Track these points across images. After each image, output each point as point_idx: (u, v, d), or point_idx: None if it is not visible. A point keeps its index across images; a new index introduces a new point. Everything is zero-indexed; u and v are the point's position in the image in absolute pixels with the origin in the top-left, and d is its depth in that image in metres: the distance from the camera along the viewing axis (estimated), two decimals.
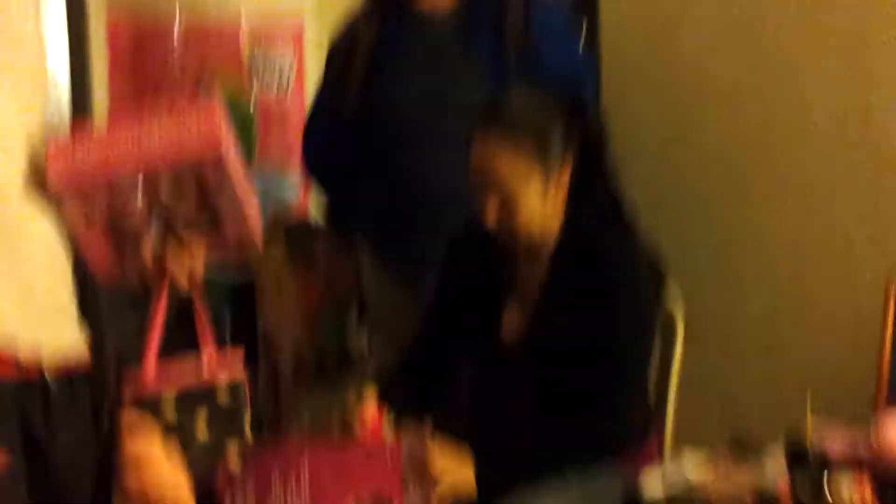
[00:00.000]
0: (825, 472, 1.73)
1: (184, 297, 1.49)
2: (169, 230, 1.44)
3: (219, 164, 1.40)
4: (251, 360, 1.58)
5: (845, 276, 2.49)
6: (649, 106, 2.68)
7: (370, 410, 1.91)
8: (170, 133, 1.38)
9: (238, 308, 2.68)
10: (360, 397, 1.88)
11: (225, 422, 1.46)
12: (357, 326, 2.75)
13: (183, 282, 1.46)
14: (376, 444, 1.84)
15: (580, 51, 2.68)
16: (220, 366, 1.48)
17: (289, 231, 2.85)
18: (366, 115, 2.49)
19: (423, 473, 1.79)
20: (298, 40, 3.46)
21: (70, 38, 3.00)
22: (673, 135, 2.64)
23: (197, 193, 1.42)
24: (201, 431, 1.44)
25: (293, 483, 1.65)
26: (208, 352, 1.49)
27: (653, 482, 1.83)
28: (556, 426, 1.97)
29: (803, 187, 2.45)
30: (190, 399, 1.45)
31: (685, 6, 2.59)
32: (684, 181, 2.63)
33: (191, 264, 1.46)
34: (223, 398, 1.46)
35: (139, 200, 1.40)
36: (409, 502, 1.73)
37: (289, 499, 1.65)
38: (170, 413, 1.43)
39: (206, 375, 1.46)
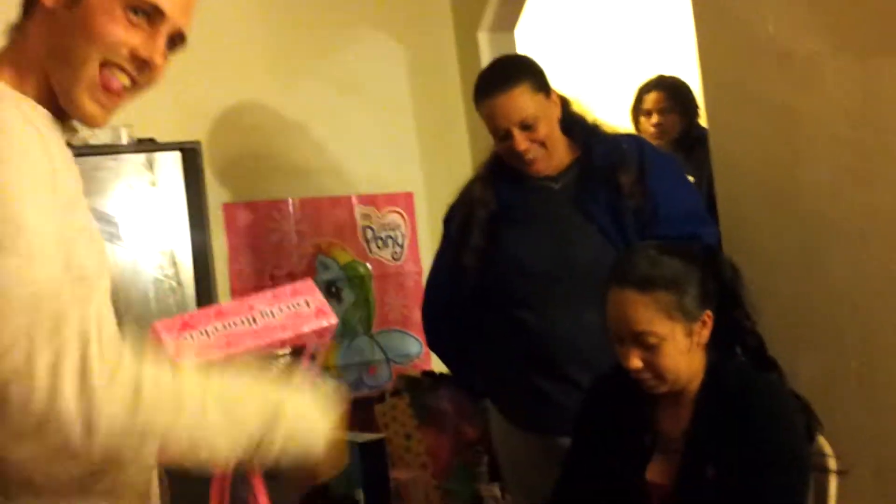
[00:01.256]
0: None
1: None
2: None
3: (332, 334, 1.45)
4: None
5: None
6: (773, 247, 2.62)
7: None
8: (283, 311, 1.42)
9: (369, 464, 2.66)
10: None
11: None
12: (488, 477, 2.69)
13: None
14: None
15: (697, 199, 2.66)
16: None
17: (414, 386, 2.84)
18: (486, 277, 2.51)
19: None
20: (409, 207, 3.56)
21: (190, 219, 3.13)
22: (802, 274, 2.57)
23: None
24: None
25: None
26: None
27: None
28: None
29: None
30: None
31: (799, 144, 2.56)
32: (820, 317, 2.55)
33: None
34: None
35: None
36: None
37: None
38: None
39: None
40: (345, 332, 3.32)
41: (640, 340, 1.90)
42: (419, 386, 2.88)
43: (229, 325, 1.39)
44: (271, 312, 1.41)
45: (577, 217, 2.45)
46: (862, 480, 2.34)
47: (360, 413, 2.99)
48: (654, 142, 3.35)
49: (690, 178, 2.84)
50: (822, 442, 2.06)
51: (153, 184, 3.11)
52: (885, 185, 2.38)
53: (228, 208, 3.34)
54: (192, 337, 1.35)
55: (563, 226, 2.46)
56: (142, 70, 1.31)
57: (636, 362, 1.91)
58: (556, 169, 2.48)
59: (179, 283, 3.05)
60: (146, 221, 3.09)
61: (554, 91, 2.48)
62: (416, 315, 2.86)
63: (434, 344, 2.76)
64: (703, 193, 2.90)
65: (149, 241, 3.07)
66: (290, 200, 3.38)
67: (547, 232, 2.47)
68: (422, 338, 3.26)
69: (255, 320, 1.40)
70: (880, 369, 2.43)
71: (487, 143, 2.59)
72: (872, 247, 2.42)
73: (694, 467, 1.91)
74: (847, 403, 2.46)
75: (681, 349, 1.90)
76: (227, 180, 3.39)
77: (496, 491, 2.56)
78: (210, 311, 1.41)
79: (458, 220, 2.59)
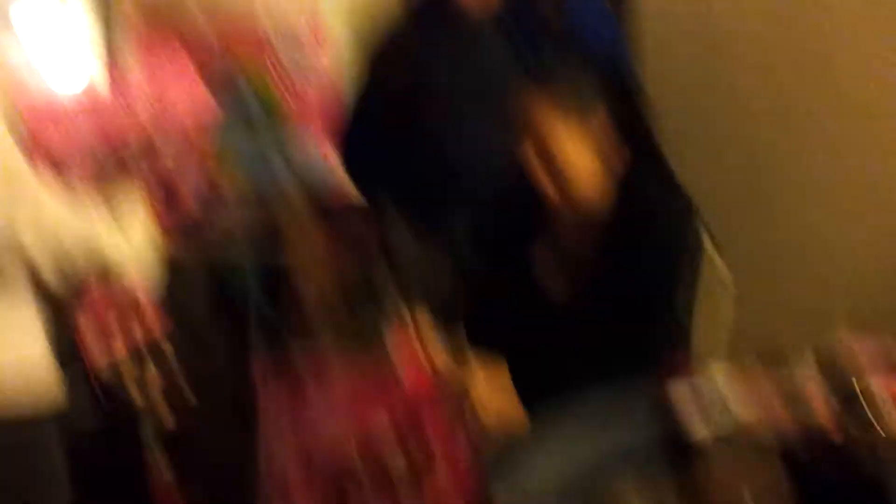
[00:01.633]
0: (854, 375, 1.74)
1: None
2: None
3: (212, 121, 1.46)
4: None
5: (879, 203, 2.52)
6: (683, 54, 2.76)
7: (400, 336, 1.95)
8: (163, 97, 1.43)
9: (266, 282, 2.73)
10: (383, 323, 1.92)
11: None
12: (383, 269, 2.77)
13: None
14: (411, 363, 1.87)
15: (613, 21, 2.71)
16: None
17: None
18: (408, 111, 2.57)
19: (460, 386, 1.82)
20: (320, 31, 3.53)
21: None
22: (707, 79, 2.72)
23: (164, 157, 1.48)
24: None
25: (324, 387, 1.70)
26: None
27: (682, 393, 1.84)
28: (591, 347, 2.01)
29: (836, 120, 2.51)
30: None
31: None
32: (719, 123, 2.70)
33: None
34: None
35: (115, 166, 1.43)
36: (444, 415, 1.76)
37: (318, 398, 1.70)
38: None
39: None
40: (255, 156, 3.34)
41: (540, 140, 2.02)
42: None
43: (105, 111, 1.39)
44: (151, 101, 1.42)
45: (499, 50, 2.51)
46: (758, 301, 2.50)
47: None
48: None
49: None
50: (719, 263, 2.19)
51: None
52: (806, 28, 2.47)
53: (136, 35, 3.27)
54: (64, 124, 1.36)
55: (484, 59, 2.53)
56: None
57: (536, 163, 2.00)
58: (487, 9, 2.53)
59: None
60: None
61: None
62: (324, 135, 2.90)
63: (348, 168, 2.85)
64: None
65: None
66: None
67: (468, 64, 2.54)
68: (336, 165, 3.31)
69: (133, 109, 1.41)
70: (774, 167, 2.64)
71: None
72: (777, 50, 2.55)
73: (594, 275, 2.04)
74: (739, 205, 2.63)
75: (579, 148, 2.01)
76: None
77: (387, 280, 2.64)
78: (82, 100, 1.41)
79: (382, 53, 2.63)
